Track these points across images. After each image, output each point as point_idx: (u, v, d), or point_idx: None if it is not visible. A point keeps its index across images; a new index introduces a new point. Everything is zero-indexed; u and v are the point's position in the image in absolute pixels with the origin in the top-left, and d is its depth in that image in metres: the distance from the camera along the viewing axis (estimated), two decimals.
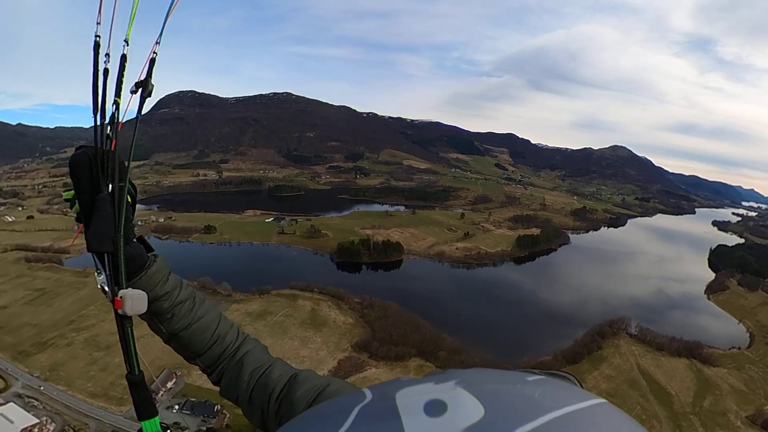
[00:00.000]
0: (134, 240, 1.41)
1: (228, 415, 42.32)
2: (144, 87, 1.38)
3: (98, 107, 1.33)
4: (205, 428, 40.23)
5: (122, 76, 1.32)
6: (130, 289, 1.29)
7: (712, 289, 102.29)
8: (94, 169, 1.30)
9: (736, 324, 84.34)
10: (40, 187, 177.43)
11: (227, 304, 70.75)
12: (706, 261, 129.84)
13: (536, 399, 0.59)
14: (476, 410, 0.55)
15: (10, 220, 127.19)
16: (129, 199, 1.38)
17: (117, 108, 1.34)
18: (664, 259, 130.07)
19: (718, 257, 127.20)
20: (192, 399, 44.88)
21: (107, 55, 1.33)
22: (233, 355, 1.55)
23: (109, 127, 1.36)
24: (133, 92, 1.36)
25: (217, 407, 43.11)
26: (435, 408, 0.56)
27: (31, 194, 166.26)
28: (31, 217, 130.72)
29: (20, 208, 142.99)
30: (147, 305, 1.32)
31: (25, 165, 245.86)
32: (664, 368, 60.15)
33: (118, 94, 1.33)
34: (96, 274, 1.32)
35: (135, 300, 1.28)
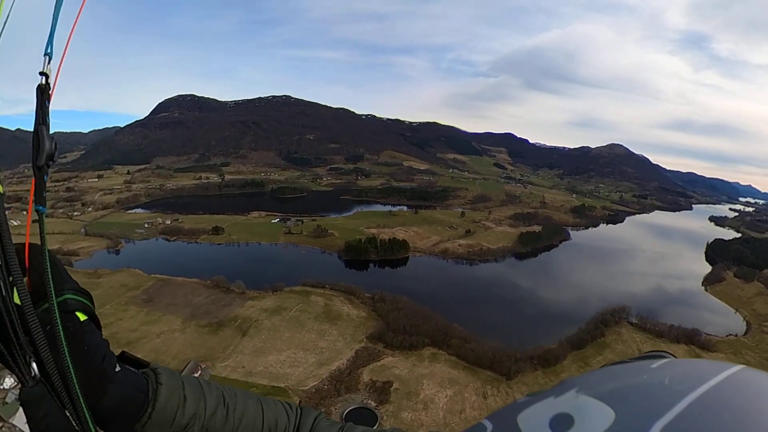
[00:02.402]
0: (117, 370, 0.93)
1: None
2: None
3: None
4: None
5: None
6: None
7: (709, 281, 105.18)
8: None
9: (733, 313, 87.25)
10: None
11: (242, 301, 72.95)
12: (704, 256, 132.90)
13: (668, 385, 0.56)
14: (606, 415, 0.53)
15: (15, 224, 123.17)
16: (82, 317, 0.90)
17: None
18: (662, 255, 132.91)
19: (715, 251, 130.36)
20: None
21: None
22: None
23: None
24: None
25: None
26: (561, 423, 0.53)
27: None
28: (37, 220, 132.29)
29: (24, 212, 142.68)
30: None
31: (26, 170, 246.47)
32: None
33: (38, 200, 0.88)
34: None
35: None
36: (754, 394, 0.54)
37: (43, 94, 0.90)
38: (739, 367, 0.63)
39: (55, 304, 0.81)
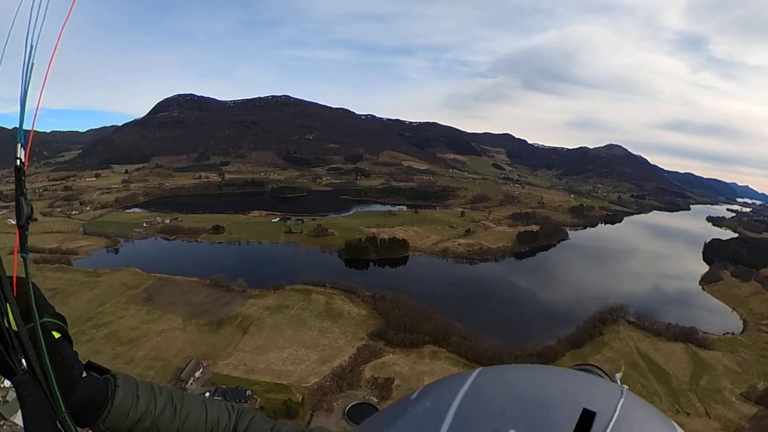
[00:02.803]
0: (84, 375, 1.21)
1: (259, 399, 44.79)
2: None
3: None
4: None
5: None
6: None
7: (706, 280, 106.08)
8: None
9: (730, 312, 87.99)
10: (41, 190, 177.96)
11: (243, 299, 73.16)
12: (701, 255, 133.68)
13: (431, 408, 0.67)
14: None
15: (13, 222, 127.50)
16: (56, 335, 1.17)
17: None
18: (660, 255, 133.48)
19: (713, 250, 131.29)
20: (222, 386, 47.19)
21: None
22: None
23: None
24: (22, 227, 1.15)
25: (249, 392, 45.49)
26: None
27: (32, 198, 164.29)
28: (35, 219, 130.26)
29: None
30: None
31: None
32: (662, 351, 63.69)
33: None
34: None
35: None
36: (498, 388, 0.66)
37: (20, 172, 1.17)
38: (477, 370, 0.73)
39: (38, 325, 1.10)
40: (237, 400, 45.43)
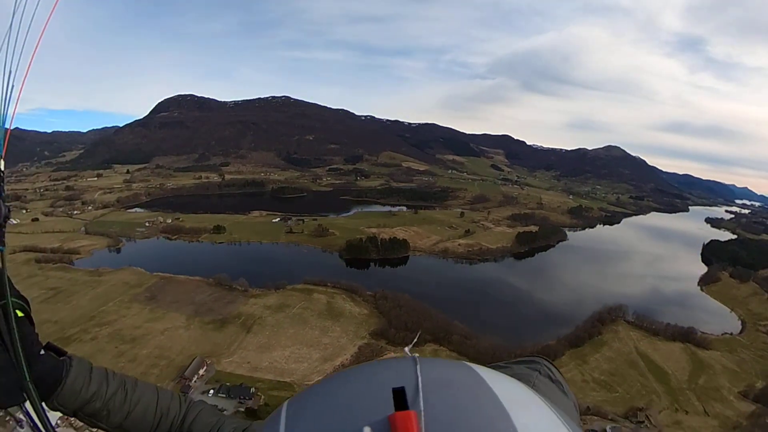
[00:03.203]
0: (42, 353, 1.39)
1: (263, 397, 45.21)
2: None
3: None
4: (243, 409, 42.88)
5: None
6: None
7: (705, 281, 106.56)
8: None
9: (728, 312, 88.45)
10: (42, 190, 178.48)
11: (245, 298, 73.63)
12: (700, 257, 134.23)
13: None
14: None
15: (14, 222, 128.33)
16: (20, 314, 1.35)
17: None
18: (658, 256, 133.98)
19: (711, 251, 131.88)
20: (226, 383, 47.62)
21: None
22: (181, 425, 1.57)
23: None
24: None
25: (253, 389, 45.93)
26: None
27: (33, 197, 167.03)
28: (36, 219, 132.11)
29: (24, 211, 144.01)
30: None
31: (24, 169, 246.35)
32: (661, 351, 64.23)
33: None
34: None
35: None
36: (310, 412, 0.72)
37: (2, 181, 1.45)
38: (284, 405, 0.79)
39: (10, 303, 1.30)
40: (241, 398, 45.96)
